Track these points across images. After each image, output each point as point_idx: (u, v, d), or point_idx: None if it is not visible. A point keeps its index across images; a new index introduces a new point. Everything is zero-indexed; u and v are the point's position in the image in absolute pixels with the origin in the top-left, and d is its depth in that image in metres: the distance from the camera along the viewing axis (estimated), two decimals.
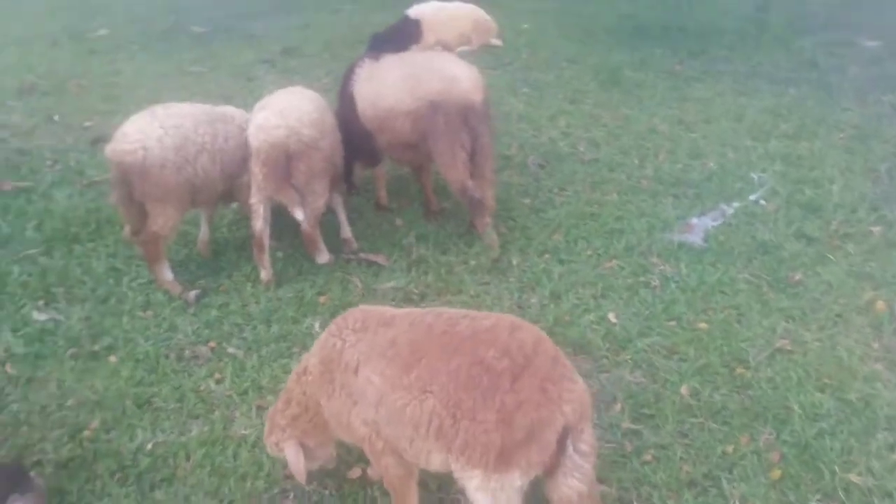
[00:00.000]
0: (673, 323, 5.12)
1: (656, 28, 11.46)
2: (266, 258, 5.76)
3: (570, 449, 3.06)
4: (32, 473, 3.79)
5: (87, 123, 8.90)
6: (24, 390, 4.77)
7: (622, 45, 11.00)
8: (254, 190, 5.59)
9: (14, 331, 5.26)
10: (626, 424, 4.28)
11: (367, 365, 3.29)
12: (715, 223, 6.24)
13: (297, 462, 3.58)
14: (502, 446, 2.96)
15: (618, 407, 4.42)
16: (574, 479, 3.09)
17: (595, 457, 3.16)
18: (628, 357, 4.82)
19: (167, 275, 5.70)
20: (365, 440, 3.38)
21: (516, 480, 3.02)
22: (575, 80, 9.72)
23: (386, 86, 5.97)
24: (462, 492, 3.17)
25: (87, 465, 4.19)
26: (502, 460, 2.99)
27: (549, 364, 3.09)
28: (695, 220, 6.30)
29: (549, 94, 9.27)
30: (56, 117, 9.16)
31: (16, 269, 5.95)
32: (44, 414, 4.57)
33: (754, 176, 7.06)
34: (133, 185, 5.33)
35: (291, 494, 3.94)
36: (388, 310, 3.60)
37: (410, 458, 3.32)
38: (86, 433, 4.40)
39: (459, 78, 5.84)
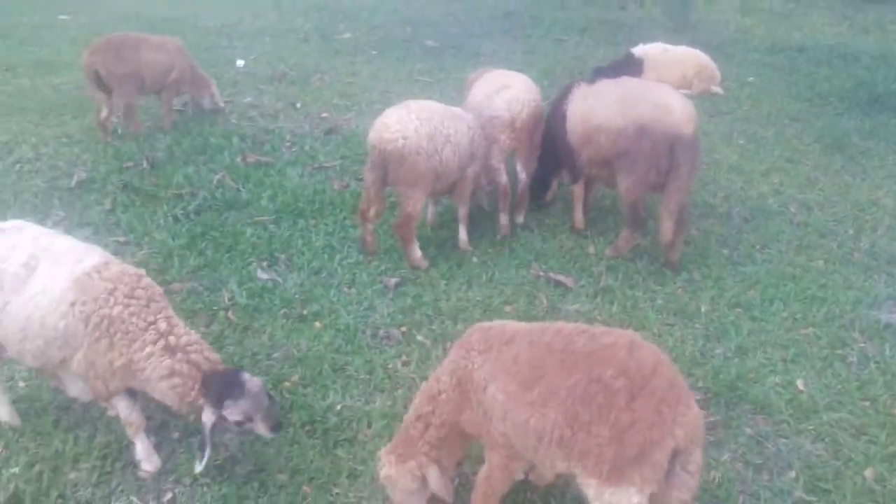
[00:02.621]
0: (867, 403, 4.82)
1: (895, 99, 10.68)
2: (507, 204, 6.85)
3: (677, 467, 3.10)
4: (246, 377, 4.05)
5: (324, 114, 9.75)
6: (240, 336, 5.38)
7: (853, 112, 10.36)
8: (496, 155, 6.65)
9: (240, 284, 5.92)
10: (799, 493, 4.10)
11: (493, 383, 3.42)
12: None
13: (443, 483, 3.73)
14: (615, 460, 3.04)
15: (792, 474, 4.24)
16: (679, 492, 3.14)
17: (700, 474, 3.17)
18: (811, 427, 4.60)
19: (417, 252, 6.25)
20: (503, 447, 3.50)
21: (633, 496, 3.07)
22: (795, 140, 9.30)
23: (599, 105, 6.18)
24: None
25: (283, 413, 4.65)
26: (615, 474, 3.06)
27: (665, 386, 3.10)
28: None
29: (765, 150, 8.95)
30: (298, 105, 10.12)
31: (248, 230, 6.69)
32: (253, 360, 5.12)
33: None
34: (389, 169, 5.89)
35: (456, 480, 4.15)
36: (507, 326, 3.66)
37: (538, 464, 3.46)
38: (286, 384, 4.89)
39: (672, 108, 5.88)
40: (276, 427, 4.07)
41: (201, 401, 3.89)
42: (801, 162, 8.63)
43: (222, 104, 9.61)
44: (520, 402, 3.28)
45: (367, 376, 5.00)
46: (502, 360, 3.43)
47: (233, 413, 3.90)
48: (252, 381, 3.95)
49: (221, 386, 3.89)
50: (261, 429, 4.02)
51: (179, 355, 3.87)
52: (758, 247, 6.74)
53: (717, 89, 11.03)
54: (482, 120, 6.57)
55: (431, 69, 11.97)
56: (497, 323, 3.78)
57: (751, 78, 11.83)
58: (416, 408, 3.79)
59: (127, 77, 8.29)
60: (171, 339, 3.87)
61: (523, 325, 3.67)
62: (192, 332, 4.05)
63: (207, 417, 3.89)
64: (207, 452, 3.86)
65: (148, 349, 3.83)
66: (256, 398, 3.97)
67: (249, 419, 3.95)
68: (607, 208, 7.46)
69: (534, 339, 3.43)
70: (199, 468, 3.89)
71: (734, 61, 12.57)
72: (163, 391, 3.90)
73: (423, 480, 3.71)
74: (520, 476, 4.06)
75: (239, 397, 3.90)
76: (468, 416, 3.57)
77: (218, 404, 3.87)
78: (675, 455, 3.07)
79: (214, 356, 4.02)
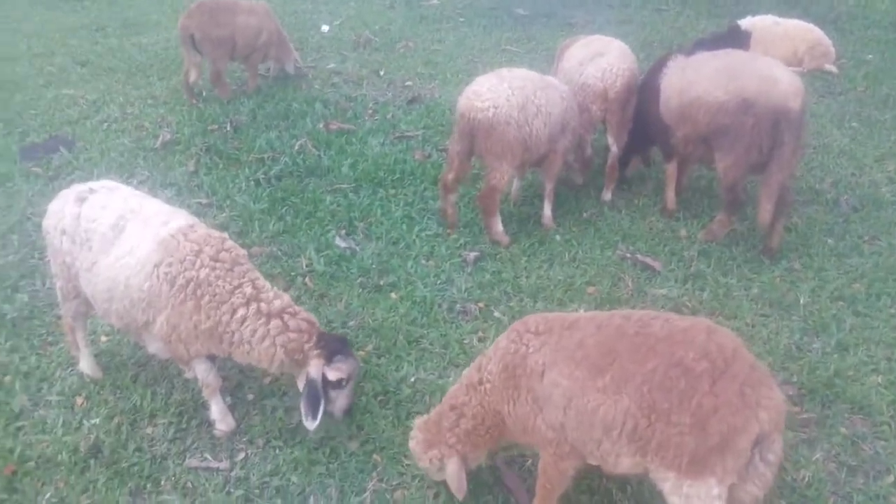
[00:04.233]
0: None
1: None
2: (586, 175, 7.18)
3: (756, 457, 3.04)
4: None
5: (408, 83, 9.86)
6: (316, 303, 5.56)
7: None
8: (586, 125, 6.69)
9: (318, 251, 6.11)
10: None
11: (554, 368, 3.34)
12: None
13: (460, 479, 3.72)
14: (695, 450, 3.00)
15: (890, 479, 4.12)
16: (753, 486, 3.09)
17: (779, 467, 3.12)
18: None
19: (499, 226, 6.30)
20: (551, 443, 3.45)
21: (713, 488, 3.03)
22: None
23: (698, 77, 6.01)
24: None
25: (356, 382, 4.78)
26: (695, 465, 3.02)
27: (748, 369, 3.06)
28: None
29: (880, 134, 8.56)
30: (382, 72, 10.26)
31: (328, 198, 6.88)
32: (329, 328, 5.27)
33: None
34: (477, 139, 5.93)
35: (529, 461, 4.21)
36: (567, 314, 3.62)
37: (595, 461, 3.39)
38: (360, 353, 5.04)
39: (780, 80, 5.68)
40: (350, 409, 4.34)
41: (314, 353, 4.05)
42: None
43: (304, 69, 9.83)
44: (588, 389, 3.23)
45: (442, 350, 5.10)
46: (565, 345, 3.37)
47: (338, 370, 4.07)
48: (354, 351, 4.30)
49: (335, 343, 4.11)
50: (342, 401, 4.22)
51: (286, 316, 4.05)
52: (866, 238, 6.49)
53: (830, 67, 10.58)
54: (574, 88, 6.53)
55: (520, 38, 11.90)
56: (555, 312, 3.75)
57: (869, 56, 11.30)
58: (452, 396, 3.79)
59: (221, 41, 8.59)
60: (263, 304, 4.04)
61: (584, 313, 3.64)
62: (282, 293, 4.21)
63: (316, 372, 4.04)
64: (322, 407, 4.01)
65: (240, 312, 4.01)
66: (357, 366, 4.23)
67: (346, 383, 4.14)
68: (702, 189, 7.31)
69: (601, 323, 3.38)
70: (313, 425, 4.00)
71: (851, 37, 12.01)
72: (263, 350, 4.04)
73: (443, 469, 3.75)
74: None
75: (348, 356, 4.12)
76: (512, 408, 3.52)
77: (329, 359, 4.05)
78: (756, 442, 3.03)
79: (311, 315, 4.22)
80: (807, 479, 4.11)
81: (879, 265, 6.07)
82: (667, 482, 3.16)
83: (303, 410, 4.04)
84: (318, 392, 4.03)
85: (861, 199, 7.10)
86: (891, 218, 6.81)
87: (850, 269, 6.01)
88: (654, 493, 3.87)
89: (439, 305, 5.53)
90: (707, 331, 3.20)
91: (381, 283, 5.77)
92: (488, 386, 3.62)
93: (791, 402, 4.62)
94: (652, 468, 3.20)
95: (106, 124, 8.46)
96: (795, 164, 6.02)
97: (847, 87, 10.12)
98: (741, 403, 3.00)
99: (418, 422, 3.94)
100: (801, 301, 5.61)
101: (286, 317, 4.06)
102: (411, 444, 3.89)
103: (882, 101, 9.60)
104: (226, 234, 4.28)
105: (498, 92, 5.82)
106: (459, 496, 3.79)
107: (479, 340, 5.17)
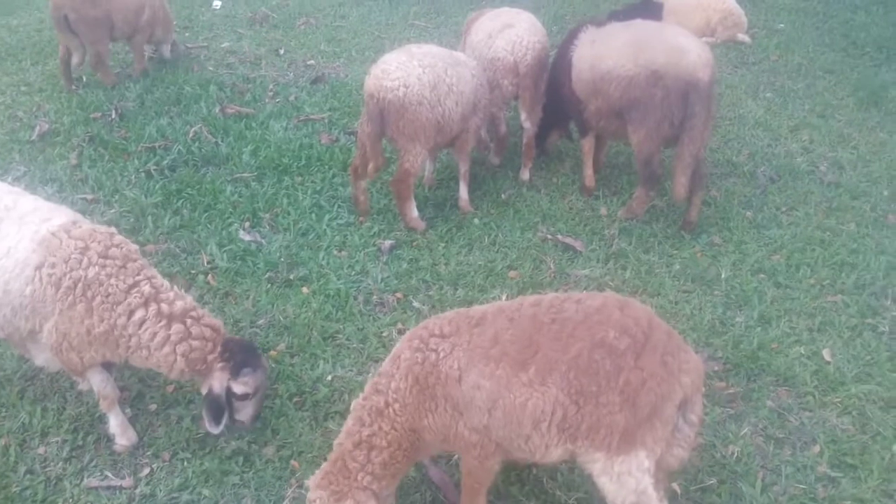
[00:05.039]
0: None
1: None
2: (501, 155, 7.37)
3: (680, 420, 3.25)
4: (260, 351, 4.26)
5: (310, 62, 9.75)
6: (221, 302, 5.46)
7: (892, 63, 10.35)
8: (498, 102, 6.79)
9: (220, 246, 5.99)
10: (823, 469, 4.21)
11: (472, 370, 3.33)
12: None
13: None
14: (626, 427, 3.15)
15: (816, 449, 4.35)
16: (679, 449, 3.31)
17: (700, 425, 3.36)
18: (837, 400, 4.70)
19: (414, 212, 6.30)
20: (475, 446, 3.45)
21: (644, 461, 3.18)
22: (827, 93, 9.32)
23: (608, 49, 6.17)
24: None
25: (269, 384, 4.72)
26: (625, 441, 3.16)
27: (665, 337, 3.25)
28: None
29: (794, 104, 8.97)
30: (281, 51, 10.12)
31: (228, 188, 6.74)
32: (237, 328, 5.20)
33: None
34: (388, 121, 5.89)
35: (455, 455, 4.25)
36: (468, 310, 3.61)
37: (522, 455, 3.44)
38: (272, 353, 4.98)
39: (688, 51, 5.89)
40: (257, 417, 4.29)
41: (219, 365, 3.96)
42: (833, 117, 8.66)
43: (196, 49, 9.59)
44: (514, 386, 3.26)
45: (360, 345, 5.09)
46: (479, 343, 3.36)
47: (245, 385, 4.01)
48: (264, 358, 4.16)
49: (243, 353, 4.01)
50: (250, 411, 4.18)
51: (189, 321, 3.94)
52: (784, 209, 6.81)
53: (743, 37, 11.00)
54: (483, 63, 6.59)
55: (428, 13, 11.92)
56: (452, 312, 3.68)
57: (781, 25, 11.80)
58: (352, 432, 3.56)
59: (98, 21, 8.24)
60: (164, 305, 3.92)
61: (487, 305, 3.64)
62: (184, 294, 4.10)
63: (220, 387, 3.97)
64: (226, 415, 4.01)
65: (139, 314, 3.88)
66: (265, 377, 4.15)
67: (253, 395, 4.08)
68: (621, 166, 7.51)
69: (512, 315, 3.41)
70: (217, 430, 4.02)
71: (763, 6, 12.52)
72: (162, 358, 3.93)
73: None
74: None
75: (256, 368, 4.03)
76: (431, 420, 3.46)
77: (235, 372, 3.97)
78: (679, 406, 3.22)
79: (217, 320, 4.12)
80: (735, 454, 4.30)
81: (797, 236, 6.37)
82: (596, 463, 3.26)
83: (205, 418, 4.03)
84: (222, 403, 4.00)
85: (777, 170, 7.43)
86: (807, 188, 7.15)
87: (769, 241, 6.30)
88: (585, 478, 3.98)
89: (354, 298, 5.51)
90: (619, 306, 3.34)
91: (291, 277, 5.70)
92: (397, 406, 3.49)
93: (717, 377, 4.83)
94: (580, 452, 3.29)
95: None
96: (707, 136, 6.25)
97: (760, 56, 10.55)
98: (665, 372, 3.17)
99: (312, 482, 3.60)
100: (723, 275, 5.84)
101: (189, 321, 3.94)
102: None
103: (795, 70, 10.05)
104: (114, 229, 4.14)
105: (408, 70, 5.81)
106: None
107: (399, 333, 5.17)
